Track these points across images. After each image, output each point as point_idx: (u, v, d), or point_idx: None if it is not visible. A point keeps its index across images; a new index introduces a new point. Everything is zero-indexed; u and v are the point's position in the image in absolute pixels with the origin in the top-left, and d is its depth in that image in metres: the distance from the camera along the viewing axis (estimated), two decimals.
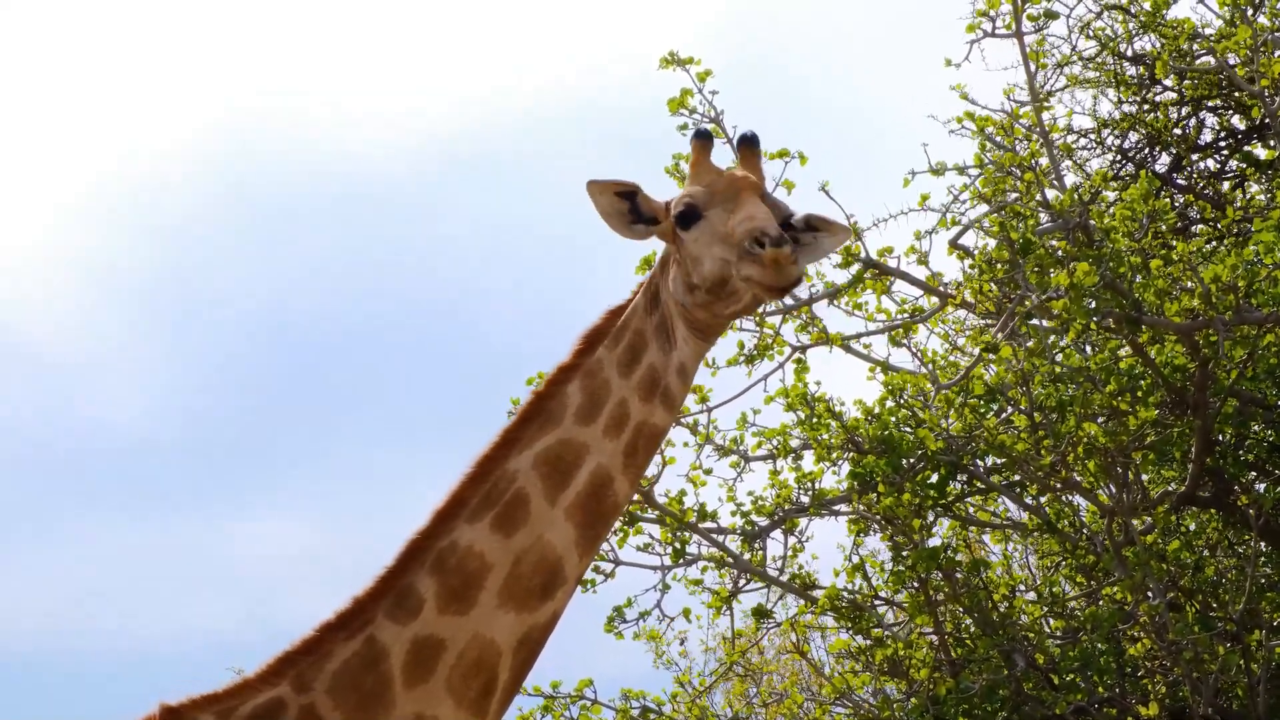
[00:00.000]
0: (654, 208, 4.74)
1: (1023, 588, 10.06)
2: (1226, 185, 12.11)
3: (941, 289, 9.79)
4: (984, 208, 9.90)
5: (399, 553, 4.52)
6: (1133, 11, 11.64)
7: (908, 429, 9.26)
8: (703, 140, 4.85)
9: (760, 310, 9.82)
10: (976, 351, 9.36)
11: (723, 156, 9.45)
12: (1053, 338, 9.25)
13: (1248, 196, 11.49)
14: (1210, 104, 12.11)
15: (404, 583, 4.46)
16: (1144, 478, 9.53)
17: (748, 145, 4.90)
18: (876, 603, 9.57)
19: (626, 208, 4.76)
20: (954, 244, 9.89)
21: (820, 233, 4.90)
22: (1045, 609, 9.54)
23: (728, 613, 9.77)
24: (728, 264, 4.51)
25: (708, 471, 9.73)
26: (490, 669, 4.44)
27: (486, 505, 4.50)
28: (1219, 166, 12.45)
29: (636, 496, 9.54)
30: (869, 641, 9.31)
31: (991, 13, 10.20)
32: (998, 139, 10.22)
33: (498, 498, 4.50)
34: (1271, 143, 11.06)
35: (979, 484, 9.57)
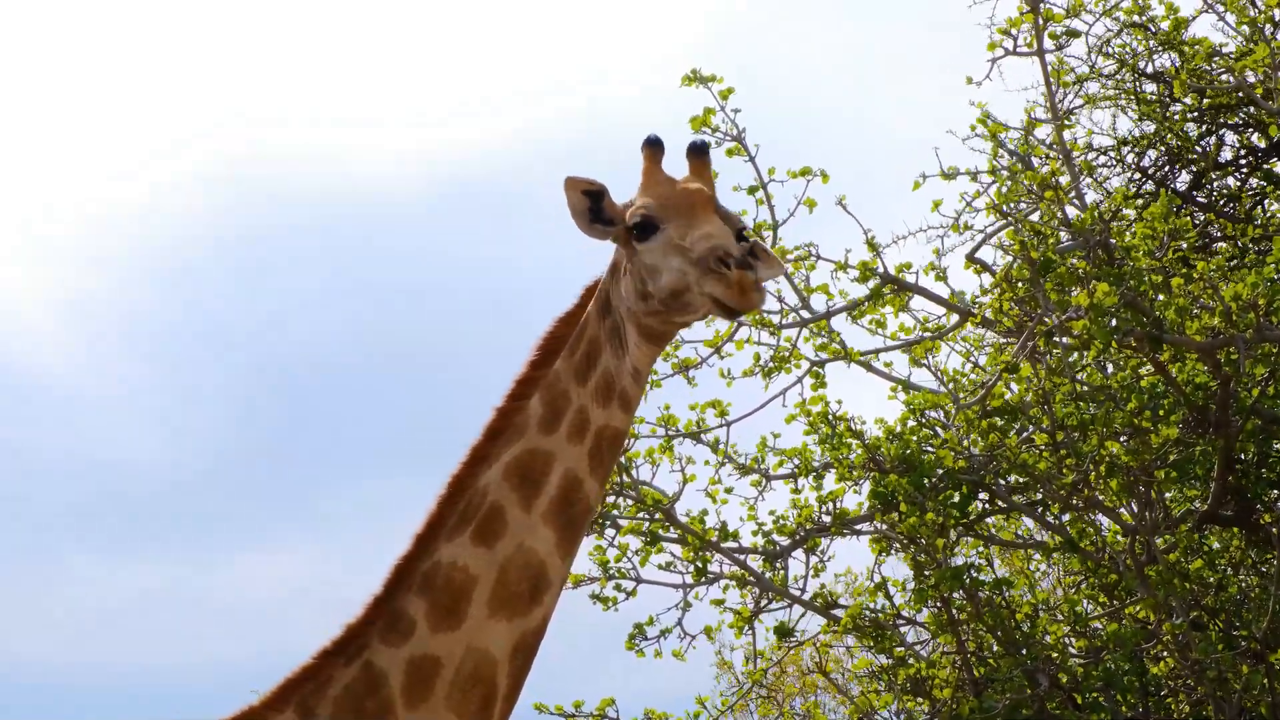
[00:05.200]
0: (615, 212, 4.76)
1: (1045, 606, 10.03)
2: (1249, 204, 12.09)
3: (961, 306, 9.79)
4: (999, 220, 9.89)
5: (385, 578, 4.59)
6: (1152, 30, 11.64)
7: (929, 448, 9.26)
8: (654, 148, 4.85)
9: (777, 324, 9.84)
10: (996, 369, 9.36)
11: (739, 173, 9.55)
12: (1074, 356, 9.24)
13: (1268, 214, 11.47)
14: (1230, 121, 12.10)
15: (394, 606, 4.53)
16: (1166, 496, 9.51)
17: (697, 155, 4.90)
18: (899, 622, 9.56)
19: (587, 205, 4.76)
20: (970, 258, 9.89)
21: (758, 261, 4.86)
22: (1068, 628, 9.52)
23: (749, 632, 9.76)
24: (685, 276, 4.56)
25: (729, 490, 9.73)
26: (488, 680, 4.49)
27: (464, 521, 4.58)
28: (1239, 184, 12.43)
29: (658, 515, 9.55)
30: (891, 661, 9.30)
31: (1013, 31, 10.20)
32: (1011, 146, 10.21)
33: (474, 513, 4.59)
34: None
35: (1001, 503, 9.56)
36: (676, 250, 4.60)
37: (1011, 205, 9.73)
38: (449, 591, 4.50)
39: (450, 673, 4.46)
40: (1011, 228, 9.47)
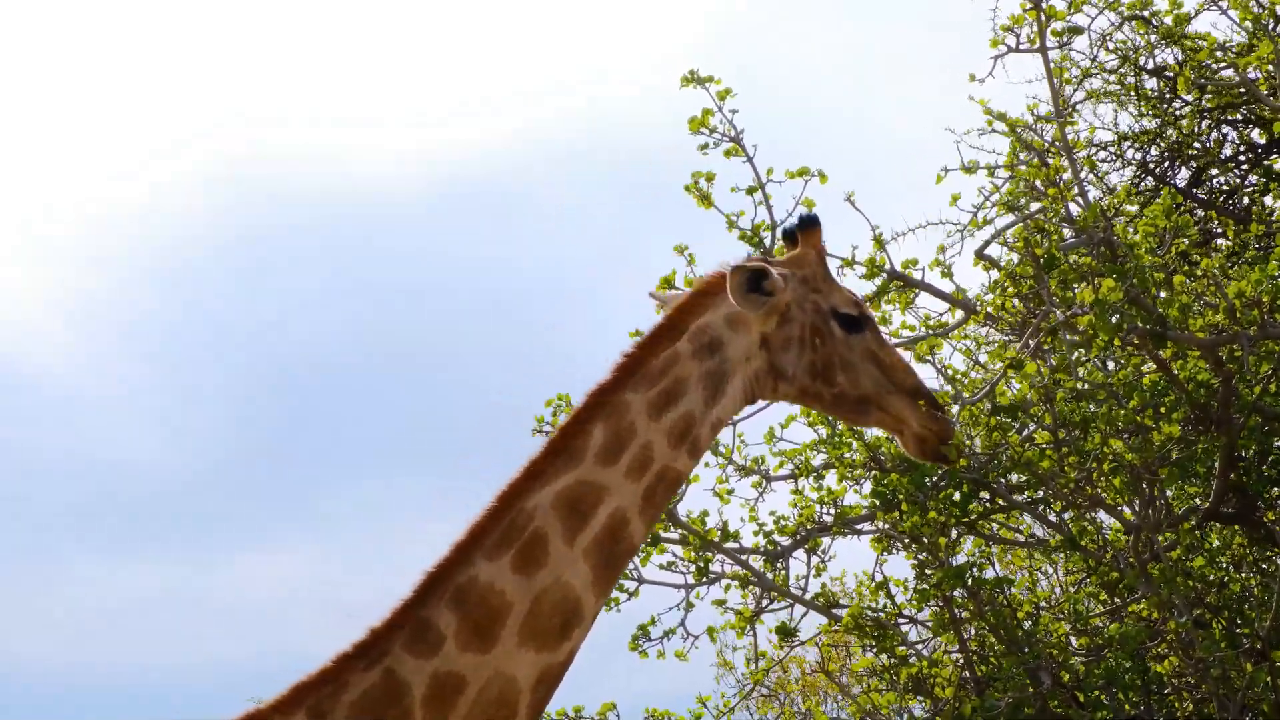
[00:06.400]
0: (774, 285, 4.88)
1: (1047, 605, 10.01)
2: (1246, 200, 12.07)
3: (966, 302, 9.76)
4: (1010, 217, 9.87)
5: (416, 584, 4.52)
6: (1154, 24, 11.61)
7: None
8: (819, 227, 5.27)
9: None
10: (999, 367, 9.33)
11: (742, 175, 9.52)
12: (1076, 353, 9.21)
13: (1268, 211, 11.44)
14: (1230, 118, 12.08)
15: (422, 615, 4.47)
16: (1168, 494, 9.49)
17: (813, 228, 5.26)
18: (900, 621, 9.54)
19: (746, 277, 4.89)
20: (980, 254, 9.85)
21: None
22: (1070, 626, 9.51)
23: (751, 633, 9.75)
24: (883, 391, 5.06)
25: (730, 492, 9.71)
26: (510, 706, 4.45)
27: (505, 543, 4.52)
28: (1239, 181, 12.41)
29: (661, 515, 9.52)
30: (893, 660, 9.28)
31: (1015, 28, 10.16)
32: (1029, 141, 10.18)
33: (516, 536, 4.52)
34: None
35: (1001, 501, 9.54)
36: (875, 363, 5.05)
37: (1021, 201, 9.71)
38: (483, 612, 4.45)
39: (474, 693, 4.42)
40: (1020, 224, 9.44)
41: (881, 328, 9.77)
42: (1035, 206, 9.70)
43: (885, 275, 9.66)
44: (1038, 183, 9.56)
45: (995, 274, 9.69)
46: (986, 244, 9.86)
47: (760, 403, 5.23)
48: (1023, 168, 9.88)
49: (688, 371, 4.75)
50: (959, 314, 9.89)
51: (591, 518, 4.57)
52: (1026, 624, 9.18)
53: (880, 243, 9.66)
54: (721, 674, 10.21)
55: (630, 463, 4.62)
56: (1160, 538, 8.93)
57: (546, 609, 4.48)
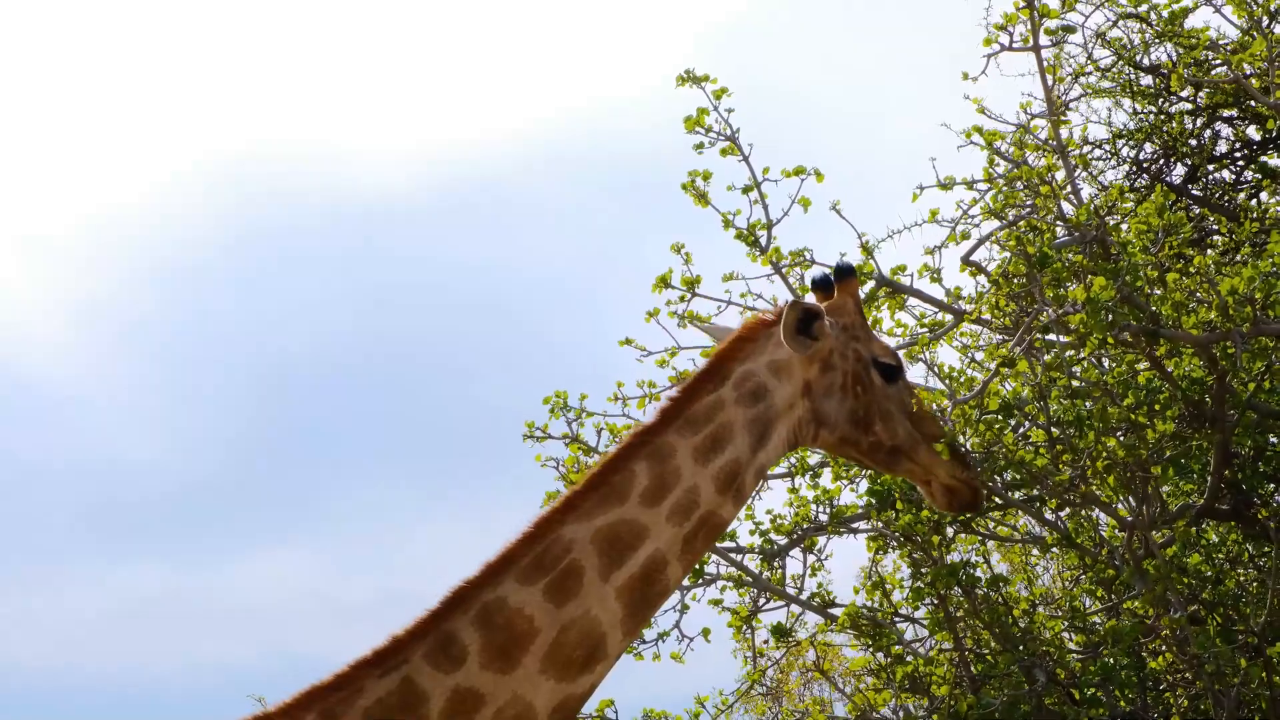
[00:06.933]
0: (822, 329, 4.89)
1: (1043, 602, 10.03)
2: (1242, 196, 12.07)
3: (956, 306, 9.77)
4: (996, 223, 9.87)
5: (443, 597, 4.53)
6: (1150, 21, 11.62)
7: None
8: (854, 276, 5.42)
9: None
10: (993, 366, 9.34)
11: (738, 174, 9.53)
12: (1070, 352, 9.22)
13: (1263, 207, 11.44)
14: (1225, 115, 12.08)
15: (446, 629, 4.47)
16: (1163, 490, 9.50)
17: (849, 278, 5.46)
18: (897, 619, 9.55)
19: (797, 318, 4.91)
20: (966, 260, 9.87)
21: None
22: (1065, 624, 9.52)
23: (748, 632, 9.76)
24: (915, 444, 5.19)
25: None
26: None
27: (539, 569, 4.53)
28: (1234, 178, 12.41)
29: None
30: (889, 659, 9.30)
31: (1009, 27, 10.17)
32: (1007, 153, 10.19)
33: (551, 564, 4.53)
34: None
35: (997, 499, 9.55)
36: (906, 411, 5.19)
37: (1008, 204, 9.71)
38: (509, 634, 4.48)
39: (490, 713, 4.43)
40: (1008, 228, 9.45)
41: (875, 330, 9.84)
42: (1028, 207, 9.70)
43: (874, 282, 9.67)
44: (1027, 182, 9.56)
45: (983, 279, 9.71)
46: (973, 250, 9.88)
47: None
48: (1000, 180, 9.90)
49: (732, 418, 4.77)
50: (949, 318, 9.91)
51: (628, 558, 4.59)
52: (1022, 621, 9.19)
53: (867, 249, 9.67)
54: (731, 659, 10.22)
55: (674, 506, 4.64)
56: (1156, 535, 8.94)
57: (572, 640, 4.49)
